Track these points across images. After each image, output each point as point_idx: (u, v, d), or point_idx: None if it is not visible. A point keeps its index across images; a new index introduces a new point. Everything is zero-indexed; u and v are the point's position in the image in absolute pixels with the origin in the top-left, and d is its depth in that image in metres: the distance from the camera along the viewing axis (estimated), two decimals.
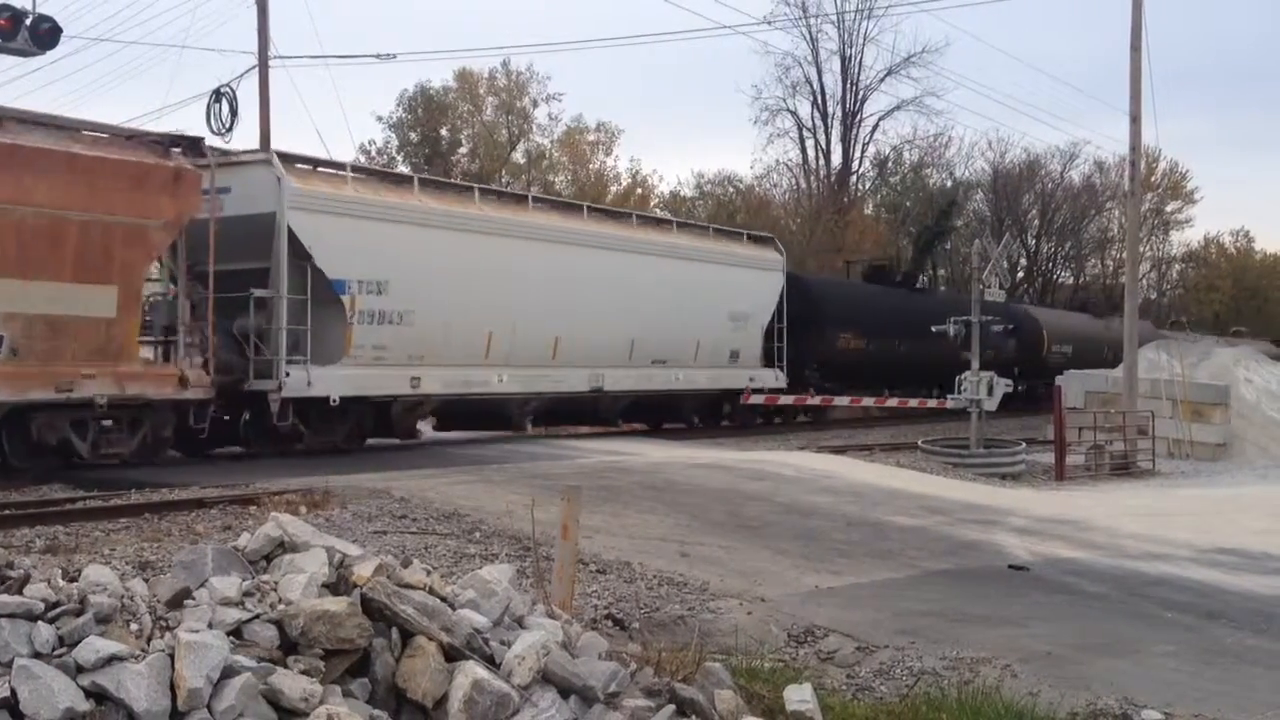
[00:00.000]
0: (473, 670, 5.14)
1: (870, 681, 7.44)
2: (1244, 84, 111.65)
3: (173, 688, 4.56)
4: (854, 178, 60.64)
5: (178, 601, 5.10)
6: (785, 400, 31.08)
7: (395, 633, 5.26)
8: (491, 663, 5.31)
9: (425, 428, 23.05)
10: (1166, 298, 77.22)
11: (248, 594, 5.25)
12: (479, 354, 21.25)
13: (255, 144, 30.85)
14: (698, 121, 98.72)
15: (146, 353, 17.79)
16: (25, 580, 4.95)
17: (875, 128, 60.72)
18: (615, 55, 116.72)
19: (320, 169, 20.27)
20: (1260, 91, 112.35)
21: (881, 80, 59.16)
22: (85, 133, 16.31)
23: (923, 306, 34.34)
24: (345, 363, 19.01)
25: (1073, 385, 27.89)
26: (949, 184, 65.24)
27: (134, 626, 4.87)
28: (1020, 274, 67.25)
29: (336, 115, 74.47)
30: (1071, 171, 68.07)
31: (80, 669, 4.52)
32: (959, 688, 7.07)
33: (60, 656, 4.56)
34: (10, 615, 4.66)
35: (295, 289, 18.31)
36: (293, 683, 4.77)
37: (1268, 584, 11.23)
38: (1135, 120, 25.80)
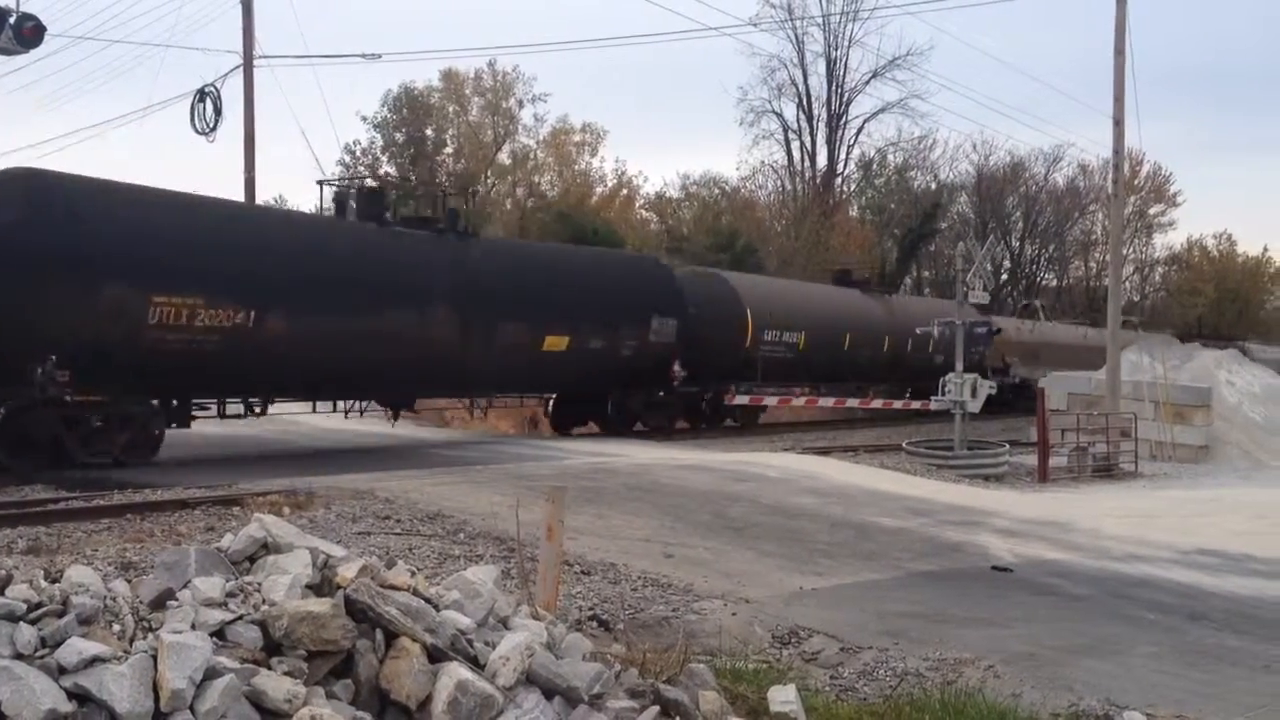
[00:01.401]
0: (457, 671, 5.14)
1: (854, 682, 7.46)
2: (1227, 87, 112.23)
3: (155, 689, 4.54)
4: (839, 180, 60.86)
5: (160, 602, 5.08)
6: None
7: (379, 634, 5.25)
8: (476, 664, 5.31)
9: None
10: (1149, 300, 77.55)
11: (231, 595, 5.23)
12: None
13: (240, 142, 30.88)
14: (683, 123, 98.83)
15: None
16: (7, 581, 4.93)
17: (860, 130, 61.04)
18: (601, 56, 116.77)
19: None
20: (1244, 95, 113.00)
21: (866, 82, 59.45)
22: None
23: (414, 255, 21.10)
24: None
25: (1055, 387, 27.98)
26: (933, 186, 65.52)
27: (116, 627, 4.85)
28: (1004, 276, 67.50)
29: (321, 115, 74.39)
30: (1055, 174, 68.52)
31: (62, 670, 4.50)
32: (942, 689, 7.10)
33: (42, 658, 4.53)
34: None
35: None
36: (276, 684, 4.76)
37: (1249, 585, 11.29)
38: (1118, 123, 25.90)
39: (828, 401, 32.77)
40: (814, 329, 31.00)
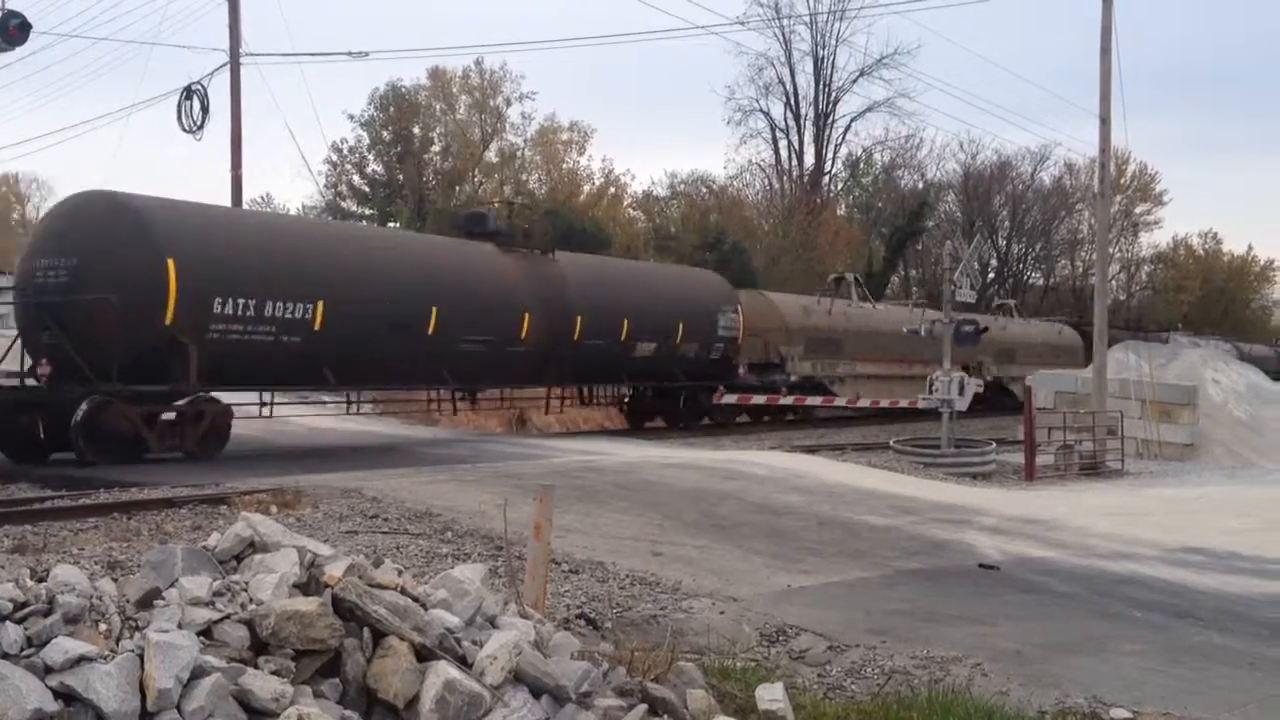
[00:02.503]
0: (445, 670, 5.13)
1: (841, 680, 7.46)
2: (1213, 87, 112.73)
3: (142, 688, 4.53)
4: (826, 178, 61.02)
5: (147, 601, 5.07)
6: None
7: (367, 633, 5.24)
8: (464, 663, 5.30)
9: None
10: (1135, 299, 77.83)
11: (218, 594, 5.22)
12: None
13: (227, 141, 30.81)
14: (671, 122, 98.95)
15: None
16: None
17: (847, 129, 61.30)
18: (589, 55, 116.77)
19: None
20: (1229, 94, 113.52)
21: (854, 81, 59.70)
22: None
23: None
24: None
25: (1043, 386, 28.05)
26: (920, 185, 65.67)
27: (103, 627, 4.84)
28: (991, 275, 67.65)
29: (309, 113, 74.22)
30: (1042, 173, 68.86)
31: (49, 669, 4.48)
32: (929, 686, 7.11)
33: (28, 657, 4.52)
34: None
35: None
36: (263, 683, 4.75)
37: (1234, 583, 11.33)
38: (1105, 122, 25.96)
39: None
40: (349, 299, 19.34)
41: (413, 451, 19.71)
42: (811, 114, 59.49)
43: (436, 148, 54.23)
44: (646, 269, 30.69)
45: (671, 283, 28.57)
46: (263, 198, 55.71)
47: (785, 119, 59.70)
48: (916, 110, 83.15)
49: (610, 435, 24.78)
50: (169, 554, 5.51)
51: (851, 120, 60.88)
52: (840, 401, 31.60)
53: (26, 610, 4.72)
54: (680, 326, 26.80)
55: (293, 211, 51.74)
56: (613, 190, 57.17)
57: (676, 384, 27.39)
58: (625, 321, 25.18)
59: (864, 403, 31.95)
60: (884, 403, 31.39)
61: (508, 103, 54.00)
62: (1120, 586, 10.86)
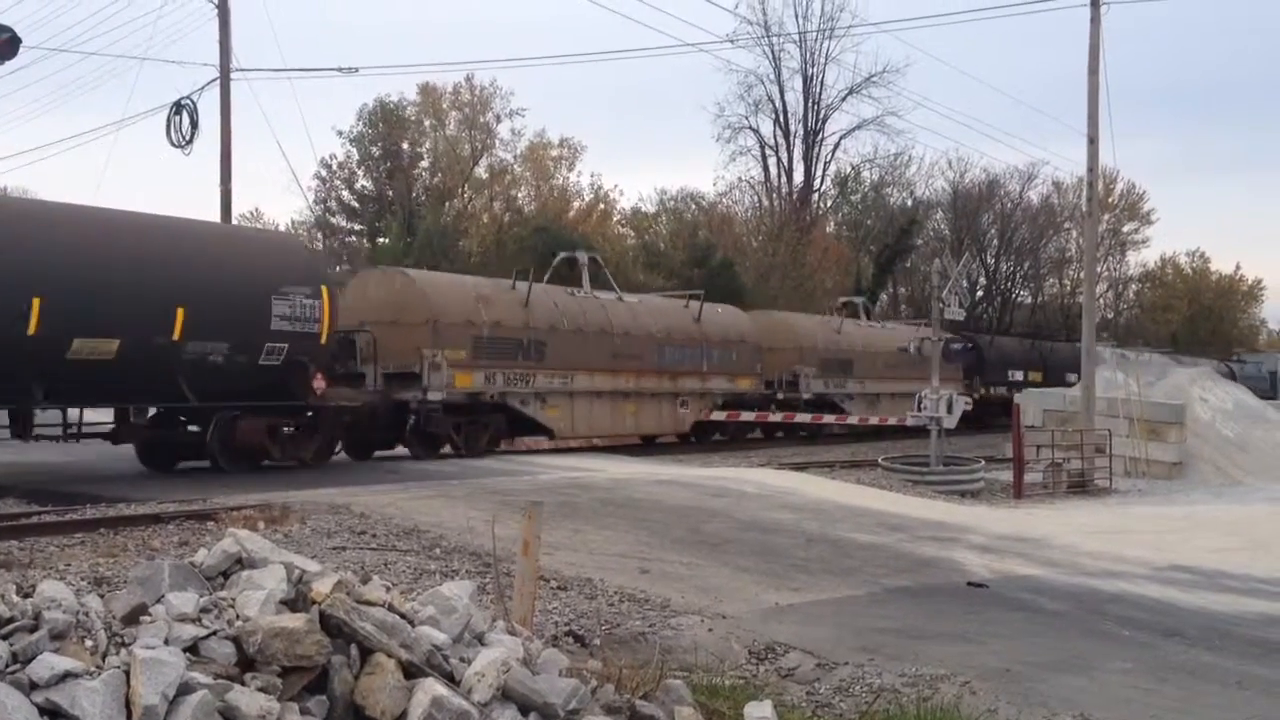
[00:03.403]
0: (432, 687, 5.11)
1: (830, 698, 7.45)
2: (1200, 107, 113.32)
3: (128, 705, 4.50)
4: (815, 196, 61.12)
5: (134, 618, 5.04)
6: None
7: (354, 649, 5.22)
8: (451, 680, 5.29)
9: None
10: (1123, 317, 78.10)
11: (205, 610, 5.19)
12: None
13: (217, 156, 30.79)
14: (661, 138, 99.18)
15: None
16: None
17: (836, 146, 61.47)
18: (578, 71, 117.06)
19: None
20: (1217, 114, 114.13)
21: (843, 99, 59.90)
22: None
23: None
24: None
25: (1031, 403, 28.12)
26: (909, 203, 65.87)
27: (89, 643, 4.81)
28: (980, 293, 67.82)
29: (299, 128, 74.21)
30: (1030, 192, 69.10)
31: (34, 686, 4.46)
32: (918, 704, 7.10)
33: (14, 673, 4.49)
34: None
35: None
36: (250, 700, 4.73)
37: (1222, 601, 11.35)
38: (1093, 141, 26.09)
39: None
40: None
41: (399, 467, 19.67)
42: (801, 131, 59.71)
43: (426, 163, 54.27)
44: (101, 217, 17.41)
45: (166, 244, 17.61)
46: (252, 212, 55.75)
47: (774, 136, 59.94)
48: (905, 128, 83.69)
49: (598, 452, 24.74)
50: (156, 570, 5.48)
51: (841, 138, 61.13)
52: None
53: (12, 626, 4.70)
54: (180, 313, 16.87)
55: (282, 227, 51.71)
56: (602, 207, 57.26)
57: (187, 405, 17.73)
58: (37, 302, 15.55)
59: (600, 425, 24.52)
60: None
61: (498, 119, 54.10)
62: (1109, 605, 10.87)
